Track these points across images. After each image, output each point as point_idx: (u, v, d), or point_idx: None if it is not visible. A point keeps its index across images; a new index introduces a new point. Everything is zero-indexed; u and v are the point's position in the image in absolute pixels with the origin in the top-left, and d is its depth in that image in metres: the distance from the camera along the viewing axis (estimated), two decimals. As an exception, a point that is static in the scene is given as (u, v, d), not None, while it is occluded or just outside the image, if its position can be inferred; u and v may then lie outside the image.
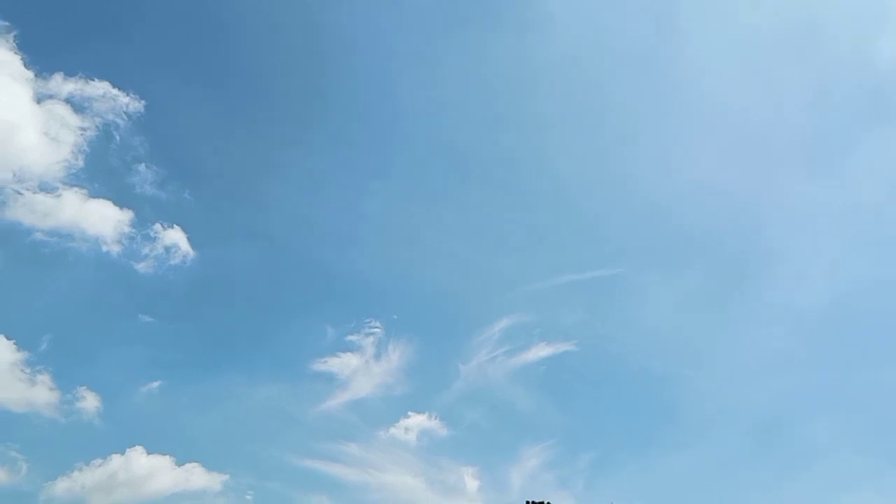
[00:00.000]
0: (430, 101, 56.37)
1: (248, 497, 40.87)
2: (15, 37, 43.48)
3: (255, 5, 52.99)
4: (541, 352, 47.59)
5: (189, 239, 45.88)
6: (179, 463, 40.50)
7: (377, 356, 46.18)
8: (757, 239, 55.57)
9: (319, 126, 54.14)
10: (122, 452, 39.81)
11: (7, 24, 43.48)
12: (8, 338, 40.24)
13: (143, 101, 46.58)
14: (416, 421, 45.00)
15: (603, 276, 51.38)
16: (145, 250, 45.13)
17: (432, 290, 50.81)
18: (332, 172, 53.17)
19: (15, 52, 43.40)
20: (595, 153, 56.89)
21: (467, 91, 56.94)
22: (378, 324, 46.70)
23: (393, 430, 44.76)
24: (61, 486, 38.19)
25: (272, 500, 41.70)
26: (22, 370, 39.86)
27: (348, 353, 45.92)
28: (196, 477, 40.55)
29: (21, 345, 40.30)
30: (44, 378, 40.28)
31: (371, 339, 46.29)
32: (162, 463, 40.24)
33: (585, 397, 49.74)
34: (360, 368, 45.79)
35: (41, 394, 40.01)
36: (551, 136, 56.66)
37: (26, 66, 43.62)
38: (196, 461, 40.70)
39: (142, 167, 46.26)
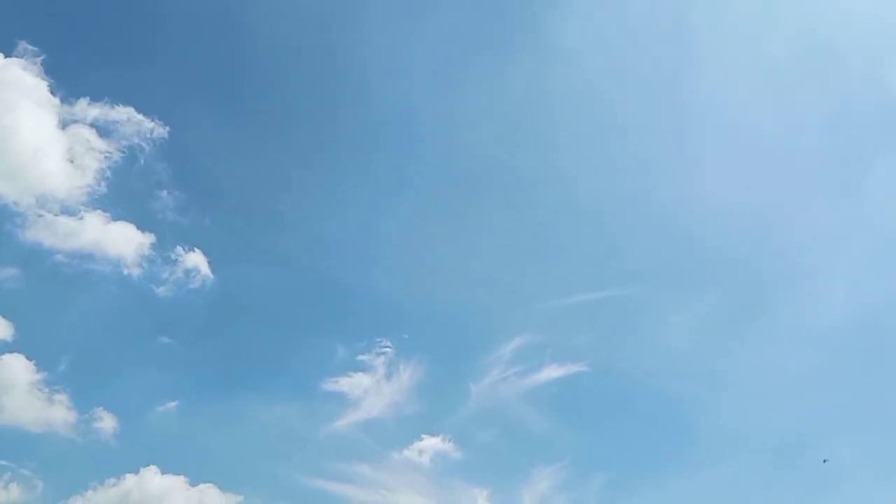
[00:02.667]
0: (447, 121, 56.73)
1: (262, 519, 41.36)
2: (42, 62, 44.51)
3: (273, 29, 53.72)
4: (553, 372, 47.53)
5: (209, 263, 46.41)
6: (193, 483, 40.74)
7: (388, 376, 46.42)
8: (776, 259, 55.13)
9: (337, 146, 54.68)
10: (137, 472, 40.36)
11: (35, 49, 44.55)
12: (28, 358, 41.09)
13: (167, 128, 47.23)
14: (430, 443, 45.05)
15: (617, 296, 51.24)
16: (166, 273, 45.78)
17: (444, 309, 50.92)
18: (348, 191, 53.55)
19: (42, 78, 44.40)
20: (612, 174, 56.89)
21: (485, 113, 57.16)
22: (389, 343, 46.90)
23: (406, 453, 44.89)
24: (74, 505, 38.91)
25: (285, 521, 42.19)
26: (40, 390, 40.72)
27: (359, 373, 46.17)
28: (210, 498, 40.72)
29: (40, 365, 41.15)
30: (61, 398, 41.04)
31: (382, 358, 46.52)
32: (176, 483, 40.59)
33: (598, 419, 49.53)
34: (371, 388, 46.00)
35: (58, 414, 40.77)
36: (569, 159, 56.76)
37: (52, 91, 44.60)
38: (210, 482, 40.94)
39: (164, 193, 46.99)
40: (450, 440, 45.23)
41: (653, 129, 57.72)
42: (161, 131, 46.91)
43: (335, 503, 42.53)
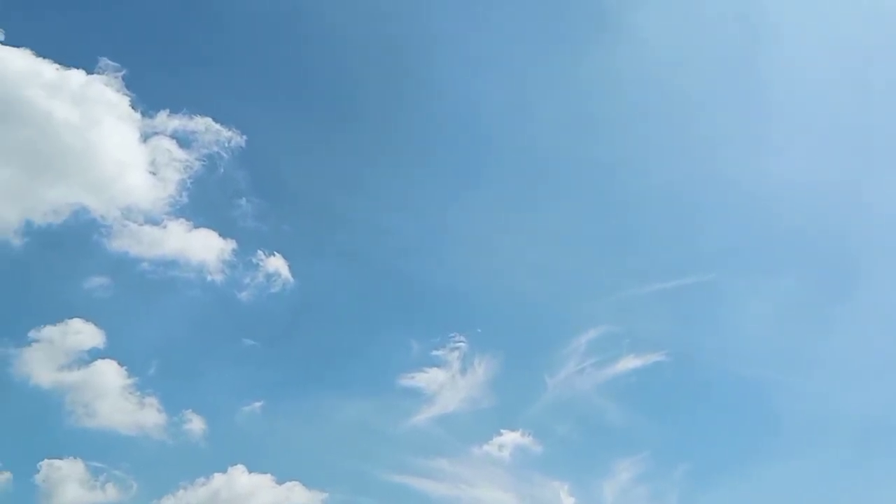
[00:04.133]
0: (515, 110, 56.55)
1: (347, 515, 42.20)
2: (123, 77, 46.09)
3: (337, 27, 54.32)
4: (630, 363, 47.13)
5: (290, 266, 47.35)
6: (280, 481, 41.66)
7: (463, 370, 46.71)
8: (859, 238, 53.62)
9: (406, 141, 55.03)
10: (225, 471, 41.64)
11: (116, 64, 46.16)
12: (120, 363, 42.83)
13: (244, 136, 48.30)
14: (510, 438, 45.15)
15: (693, 283, 50.44)
16: (247, 278, 46.93)
17: (516, 301, 50.87)
18: (420, 187, 54.02)
19: (123, 93, 45.98)
20: (687, 158, 56.02)
21: (554, 103, 56.73)
22: (462, 338, 47.12)
23: (486, 447, 45.14)
24: (166, 504, 40.47)
25: (369, 517, 42.99)
26: (131, 394, 42.45)
27: (434, 368, 46.55)
28: (296, 495, 41.41)
29: (131, 370, 42.86)
30: (152, 401, 42.62)
31: (456, 353, 46.80)
32: (263, 481, 41.63)
33: (678, 408, 48.90)
34: (447, 383, 46.36)
35: (149, 416, 42.38)
36: (642, 146, 56.00)
37: (133, 105, 46.16)
38: (296, 479, 41.88)
39: (243, 200, 48.21)
40: (529, 434, 45.34)
41: (728, 112, 56.66)
42: (238, 140, 48.08)
43: (416, 498, 43.08)
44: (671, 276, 50.64)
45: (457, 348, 46.94)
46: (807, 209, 54.10)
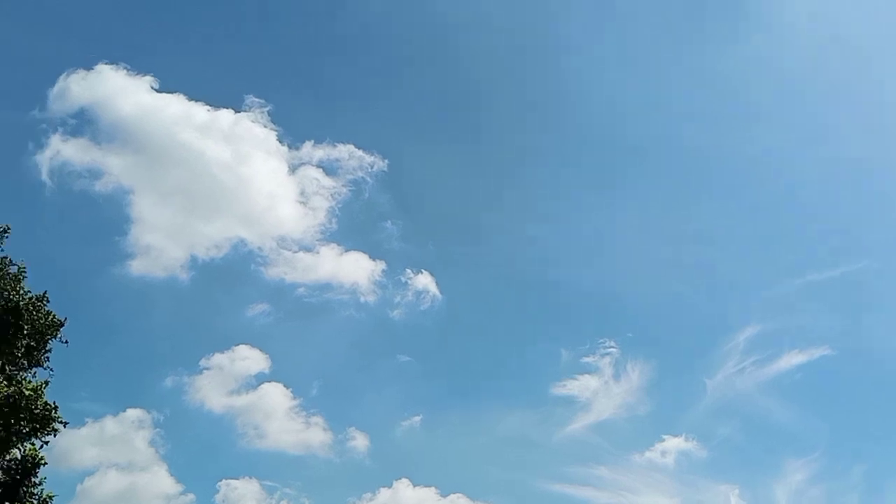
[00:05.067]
0: (656, 109, 56.23)
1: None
2: (268, 112, 48.60)
3: (466, 43, 55.51)
4: (793, 359, 45.55)
5: (437, 283, 48.43)
6: (444, 494, 42.96)
7: (616, 376, 46.24)
8: None
9: (543, 149, 55.75)
10: (390, 486, 42.78)
11: (261, 101, 48.74)
12: (285, 386, 44.85)
13: (385, 160, 49.99)
14: (673, 444, 44.54)
15: (850, 272, 48.12)
16: (398, 297, 48.24)
17: (666, 303, 50.15)
18: (561, 193, 54.44)
19: (270, 128, 48.50)
20: (840, 143, 54.45)
21: (697, 97, 56.36)
22: (613, 343, 46.80)
23: (648, 454, 44.49)
24: (337, 519, 41.76)
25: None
26: (297, 414, 44.31)
27: (586, 375, 46.41)
28: (463, 508, 41.94)
29: (296, 391, 44.82)
30: (317, 420, 44.60)
31: (608, 359, 46.47)
32: (427, 495, 42.93)
33: (850, 405, 46.76)
34: (600, 390, 46.05)
35: (316, 435, 44.35)
36: (792, 132, 54.38)
37: (279, 139, 48.62)
38: (460, 491, 42.86)
39: (388, 223, 49.74)
40: (692, 439, 44.41)
41: (881, 101, 53.87)
42: (380, 164, 49.80)
43: (578, 507, 42.79)
44: (825, 266, 48.89)
45: (608, 354, 46.63)
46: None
